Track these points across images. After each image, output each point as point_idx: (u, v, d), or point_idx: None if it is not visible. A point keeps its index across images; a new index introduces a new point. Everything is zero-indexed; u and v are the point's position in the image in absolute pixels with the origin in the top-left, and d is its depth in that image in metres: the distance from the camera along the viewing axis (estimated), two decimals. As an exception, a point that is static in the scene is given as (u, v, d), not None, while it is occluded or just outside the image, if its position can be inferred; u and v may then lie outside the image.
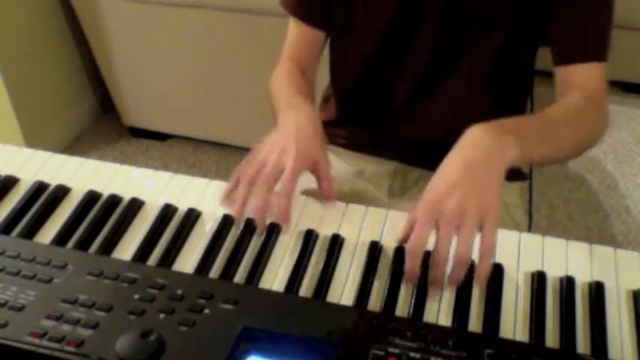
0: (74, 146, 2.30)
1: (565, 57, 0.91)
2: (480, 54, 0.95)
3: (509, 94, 1.03)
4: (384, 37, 0.98)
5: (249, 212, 0.79)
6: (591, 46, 0.91)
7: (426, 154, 0.99)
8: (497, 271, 0.74)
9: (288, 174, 0.78)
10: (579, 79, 0.90)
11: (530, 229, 1.07)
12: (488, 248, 0.68)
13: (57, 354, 0.60)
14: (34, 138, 2.10)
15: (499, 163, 0.71)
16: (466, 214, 0.68)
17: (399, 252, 0.76)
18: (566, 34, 0.91)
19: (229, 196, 0.82)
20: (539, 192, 2.06)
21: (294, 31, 1.05)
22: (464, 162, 0.71)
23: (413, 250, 0.69)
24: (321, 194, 0.83)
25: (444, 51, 0.96)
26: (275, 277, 0.74)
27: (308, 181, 0.86)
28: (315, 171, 0.84)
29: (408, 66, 0.99)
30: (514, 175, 1.12)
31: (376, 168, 1.11)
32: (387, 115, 1.06)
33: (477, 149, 0.72)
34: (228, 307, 0.64)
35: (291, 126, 0.84)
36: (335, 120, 1.14)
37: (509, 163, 0.72)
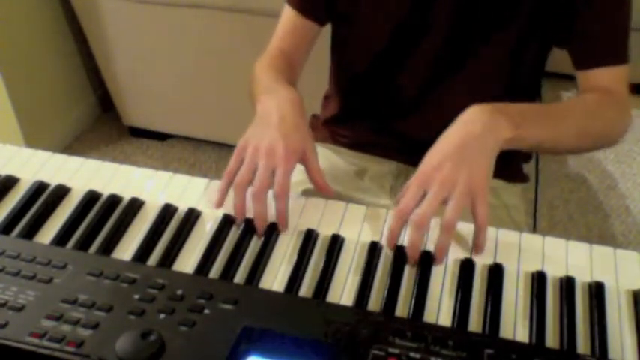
0: (74, 146, 2.30)
1: (584, 62, 0.92)
2: (488, 55, 0.95)
3: (517, 96, 1.03)
4: (391, 35, 0.97)
5: (249, 215, 0.80)
6: (610, 49, 0.91)
7: None
8: (498, 271, 0.74)
9: (281, 178, 0.77)
10: (600, 83, 0.91)
11: (535, 230, 1.08)
12: (481, 224, 0.73)
13: (57, 354, 0.60)
14: (34, 138, 2.10)
15: (492, 141, 0.75)
16: (455, 186, 0.71)
17: (399, 252, 0.76)
18: (584, 39, 0.91)
19: (223, 200, 0.81)
20: (539, 192, 2.06)
21: (289, 22, 1.04)
22: (458, 139, 0.75)
23: (400, 213, 0.74)
24: (315, 188, 0.83)
25: (451, 52, 0.96)
26: (275, 277, 0.74)
27: (308, 180, 0.86)
28: (304, 162, 0.82)
29: (413, 66, 0.99)
30: (515, 176, 1.12)
31: (378, 168, 1.11)
32: (390, 115, 1.06)
33: (472, 126, 0.75)
34: (228, 307, 0.64)
35: (274, 117, 0.81)
36: (337, 118, 1.13)
37: (503, 142, 0.76)
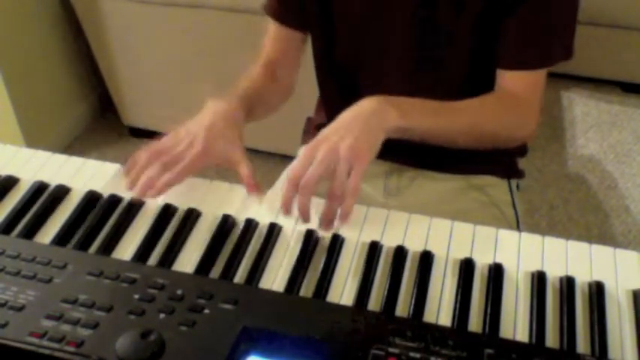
0: (74, 146, 2.30)
1: (501, 62, 0.94)
2: (451, 53, 0.96)
3: (481, 87, 1.03)
4: (358, 39, 0.99)
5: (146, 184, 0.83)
6: (526, 55, 0.92)
7: (419, 153, 0.99)
8: (498, 271, 0.74)
9: (184, 165, 0.83)
10: (511, 86, 0.94)
11: (518, 226, 1.08)
12: (352, 189, 0.77)
13: (57, 354, 0.60)
14: (34, 138, 2.10)
15: (378, 124, 0.81)
16: (338, 157, 0.77)
17: (399, 252, 0.76)
18: (505, 40, 0.92)
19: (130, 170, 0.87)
20: (539, 192, 2.06)
21: (273, 31, 1.07)
22: (348, 117, 0.82)
23: (290, 179, 0.78)
24: (247, 188, 0.85)
25: (416, 52, 0.97)
26: (275, 277, 0.74)
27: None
28: (233, 168, 0.86)
29: (383, 69, 1.00)
30: (510, 172, 1.12)
31: (371, 168, 1.10)
32: None
33: (361, 109, 0.82)
34: (228, 307, 0.64)
35: (206, 121, 0.88)
36: (325, 122, 1.14)
37: (390, 128, 0.82)
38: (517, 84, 0.94)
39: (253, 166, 0.86)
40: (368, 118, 0.81)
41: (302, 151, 0.81)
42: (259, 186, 0.85)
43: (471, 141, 0.94)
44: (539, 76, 0.95)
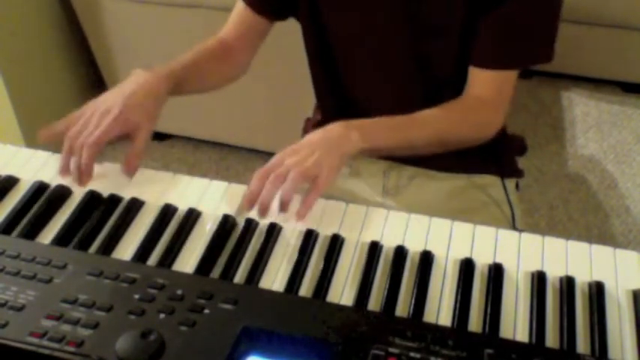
0: (74, 146, 2.30)
1: (473, 59, 0.94)
2: (444, 50, 0.96)
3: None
4: (346, 40, 1.00)
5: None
6: (497, 54, 0.92)
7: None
8: (498, 271, 0.74)
9: (98, 132, 0.84)
10: (473, 82, 0.95)
11: (514, 223, 1.08)
12: (317, 190, 0.80)
13: (57, 354, 0.60)
14: (34, 138, 2.09)
15: (344, 146, 0.84)
16: (298, 167, 0.79)
17: (399, 252, 0.76)
18: (479, 38, 0.92)
19: (65, 163, 0.87)
20: (539, 192, 2.06)
21: (238, 15, 1.06)
22: (316, 138, 0.85)
23: (248, 198, 0.80)
24: (124, 163, 0.87)
25: (411, 51, 0.97)
26: (275, 277, 0.74)
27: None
28: (132, 137, 0.88)
29: (378, 68, 1.01)
30: (509, 171, 1.12)
31: (369, 167, 1.11)
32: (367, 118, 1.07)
33: (329, 133, 0.85)
34: (228, 307, 0.64)
35: (127, 90, 0.88)
36: (321, 122, 1.14)
37: (351, 151, 0.85)
38: (485, 85, 0.94)
39: (250, 165, 0.86)
40: (331, 141, 0.84)
41: (264, 167, 0.82)
42: (135, 167, 0.87)
43: (436, 149, 0.96)
44: (508, 77, 0.94)
